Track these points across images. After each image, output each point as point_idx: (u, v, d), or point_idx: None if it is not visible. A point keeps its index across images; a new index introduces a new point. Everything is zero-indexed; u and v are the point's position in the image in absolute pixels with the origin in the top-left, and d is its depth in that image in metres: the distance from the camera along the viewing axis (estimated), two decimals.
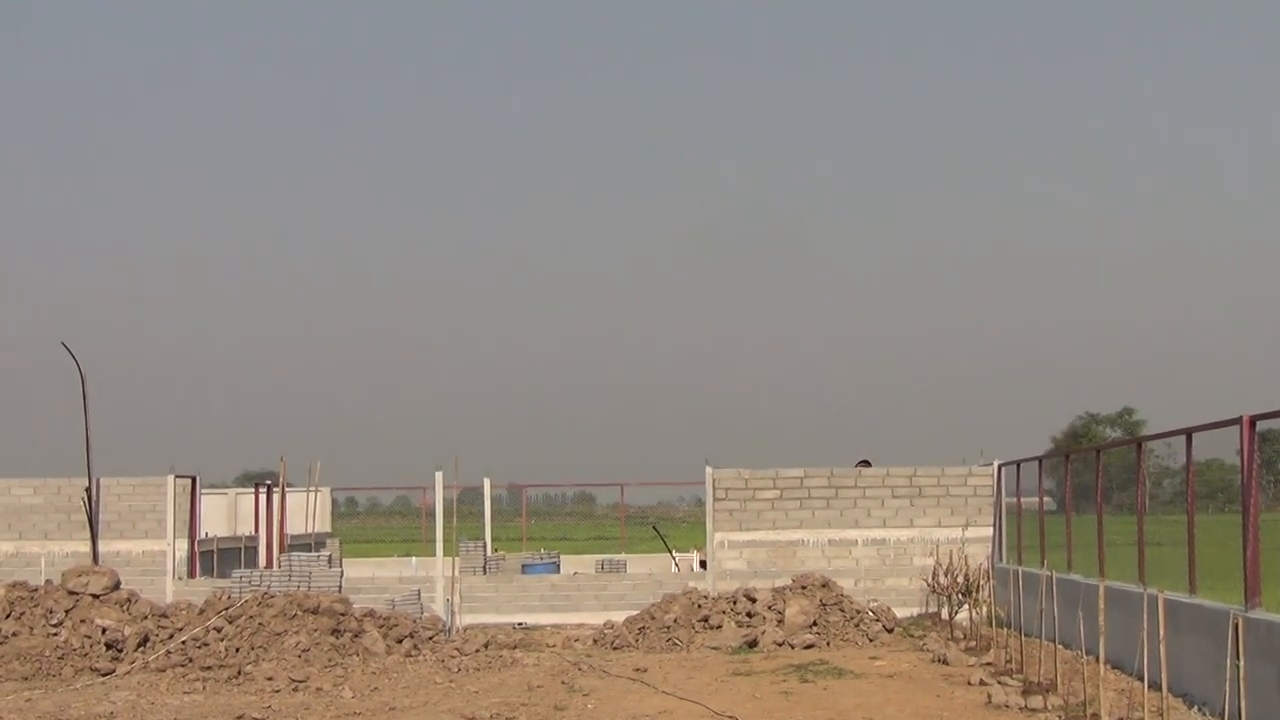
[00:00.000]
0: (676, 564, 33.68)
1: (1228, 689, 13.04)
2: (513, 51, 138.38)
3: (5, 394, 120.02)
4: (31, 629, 21.32)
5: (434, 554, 26.77)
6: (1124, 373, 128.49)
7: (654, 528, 41.20)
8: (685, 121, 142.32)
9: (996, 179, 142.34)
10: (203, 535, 30.83)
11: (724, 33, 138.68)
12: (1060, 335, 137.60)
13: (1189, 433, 16.76)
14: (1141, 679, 14.29)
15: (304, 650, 20.17)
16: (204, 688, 18.53)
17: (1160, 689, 13.24)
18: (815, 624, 22.88)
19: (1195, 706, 14.98)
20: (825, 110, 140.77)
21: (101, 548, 28.31)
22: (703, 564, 30.02)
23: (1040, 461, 25.46)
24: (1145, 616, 14.21)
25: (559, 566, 31.46)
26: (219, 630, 20.96)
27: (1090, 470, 21.94)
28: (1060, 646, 17.21)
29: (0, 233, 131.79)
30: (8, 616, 21.52)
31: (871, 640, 22.65)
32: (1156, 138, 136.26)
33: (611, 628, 23.61)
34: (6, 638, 21.11)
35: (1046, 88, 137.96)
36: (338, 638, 20.76)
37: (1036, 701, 15.67)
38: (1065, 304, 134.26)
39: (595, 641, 23.22)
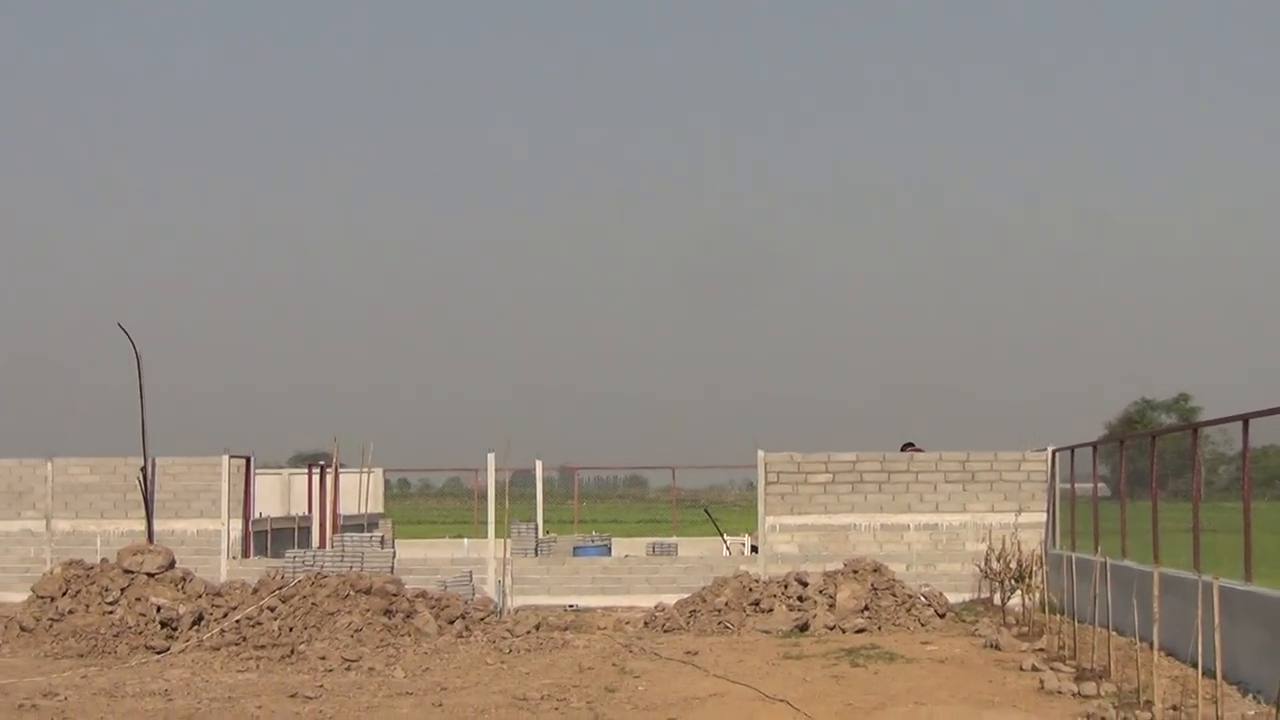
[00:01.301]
0: (727, 547, 33.66)
1: None
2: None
3: (62, 374, 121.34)
4: (88, 607, 21.58)
5: (486, 536, 26.83)
6: (1180, 358, 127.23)
7: (705, 511, 41.17)
8: (714, 114, 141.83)
9: (1053, 163, 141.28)
10: (256, 515, 31.03)
11: (724, 32, 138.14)
12: (1116, 321, 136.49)
13: (1245, 419, 16.61)
14: (1195, 666, 14.19)
15: (356, 630, 20.29)
16: (257, 666, 18.68)
17: (1214, 676, 13.13)
18: (866, 608, 22.83)
19: (1249, 694, 14.87)
20: (870, 91, 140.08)
21: (156, 527, 28.55)
22: (754, 548, 30.00)
23: (1095, 447, 25.28)
24: (1200, 604, 14.09)
25: (610, 549, 31.48)
26: (272, 609, 21.11)
27: (1145, 456, 21.79)
28: (1113, 633, 17.12)
29: (54, 215, 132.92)
30: (64, 594, 21.79)
31: (923, 625, 22.58)
32: (1199, 118, 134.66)
33: (662, 610, 23.64)
34: (63, 615, 21.37)
35: (1078, 66, 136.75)
36: (390, 618, 20.87)
37: (1089, 688, 15.58)
38: (1122, 289, 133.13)
39: (646, 624, 23.25)
